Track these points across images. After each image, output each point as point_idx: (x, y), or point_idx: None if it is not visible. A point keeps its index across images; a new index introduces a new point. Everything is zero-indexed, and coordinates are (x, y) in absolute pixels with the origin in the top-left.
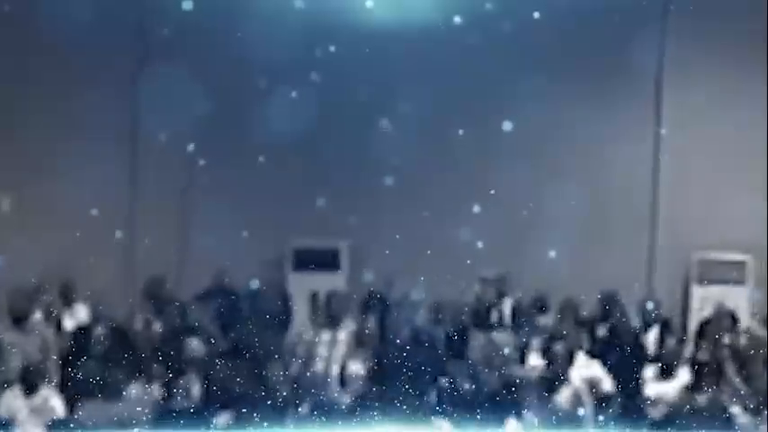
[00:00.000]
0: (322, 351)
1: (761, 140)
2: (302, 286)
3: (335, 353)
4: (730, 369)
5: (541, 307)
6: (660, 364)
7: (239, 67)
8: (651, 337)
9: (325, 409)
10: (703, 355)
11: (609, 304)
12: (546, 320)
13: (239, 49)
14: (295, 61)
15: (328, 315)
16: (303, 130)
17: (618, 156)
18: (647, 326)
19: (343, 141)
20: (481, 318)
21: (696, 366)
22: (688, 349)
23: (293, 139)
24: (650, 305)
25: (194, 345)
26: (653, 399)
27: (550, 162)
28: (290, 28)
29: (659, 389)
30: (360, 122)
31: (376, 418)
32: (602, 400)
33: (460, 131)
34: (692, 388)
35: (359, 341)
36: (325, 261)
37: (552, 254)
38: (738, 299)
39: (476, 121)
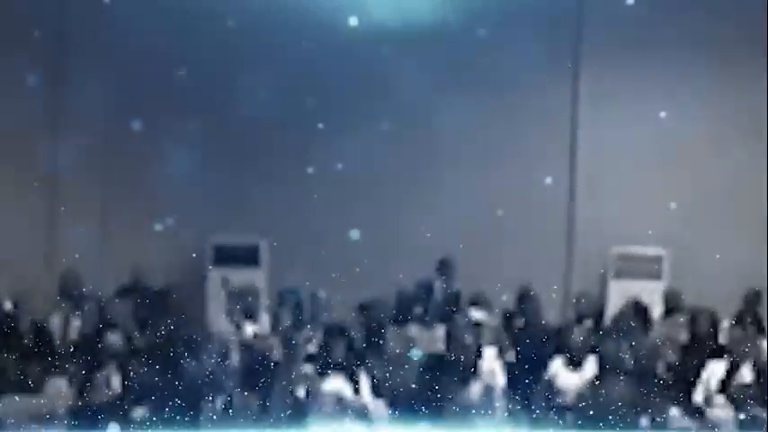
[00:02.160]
0: (238, 346)
1: (677, 134)
2: (221, 282)
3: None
4: (629, 362)
5: (456, 301)
6: (572, 357)
7: (169, 58)
8: (567, 331)
9: (240, 405)
10: (610, 348)
11: (524, 298)
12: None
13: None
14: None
15: (244, 311)
16: (224, 128)
17: (535, 149)
18: (563, 319)
19: (266, 139)
20: (401, 313)
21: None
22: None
23: (214, 136)
24: (568, 299)
25: (113, 340)
26: (563, 390)
27: (471, 157)
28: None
29: (569, 380)
30: (283, 119)
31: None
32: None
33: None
34: (600, 380)
35: (275, 336)
36: (245, 257)
37: (477, 246)
38: (654, 293)
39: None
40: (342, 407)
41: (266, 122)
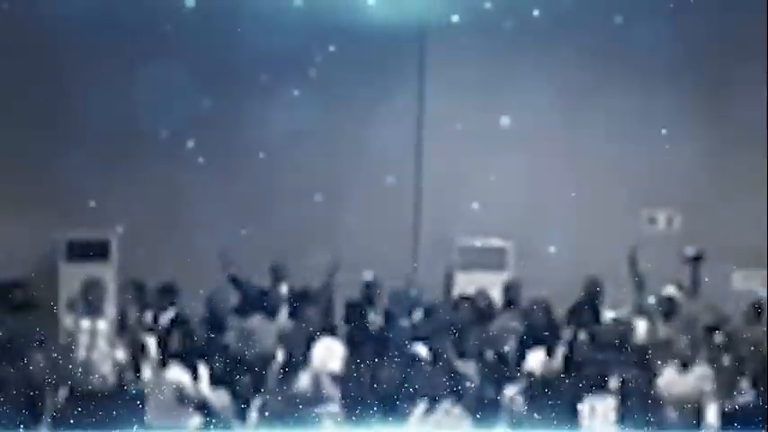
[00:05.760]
0: (84, 339)
1: (519, 132)
2: (73, 276)
3: (97, 341)
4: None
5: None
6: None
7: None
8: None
9: (86, 396)
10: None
11: (371, 290)
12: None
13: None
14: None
15: (90, 304)
16: (78, 121)
17: (381, 140)
18: (407, 311)
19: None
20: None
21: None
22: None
23: (69, 130)
24: (412, 291)
25: None
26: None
27: (318, 155)
28: None
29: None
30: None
31: (138, 403)
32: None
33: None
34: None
35: (120, 329)
36: (96, 251)
37: (324, 240)
38: (498, 284)
39: None
40: (182, 397)
41: (121, 118)
